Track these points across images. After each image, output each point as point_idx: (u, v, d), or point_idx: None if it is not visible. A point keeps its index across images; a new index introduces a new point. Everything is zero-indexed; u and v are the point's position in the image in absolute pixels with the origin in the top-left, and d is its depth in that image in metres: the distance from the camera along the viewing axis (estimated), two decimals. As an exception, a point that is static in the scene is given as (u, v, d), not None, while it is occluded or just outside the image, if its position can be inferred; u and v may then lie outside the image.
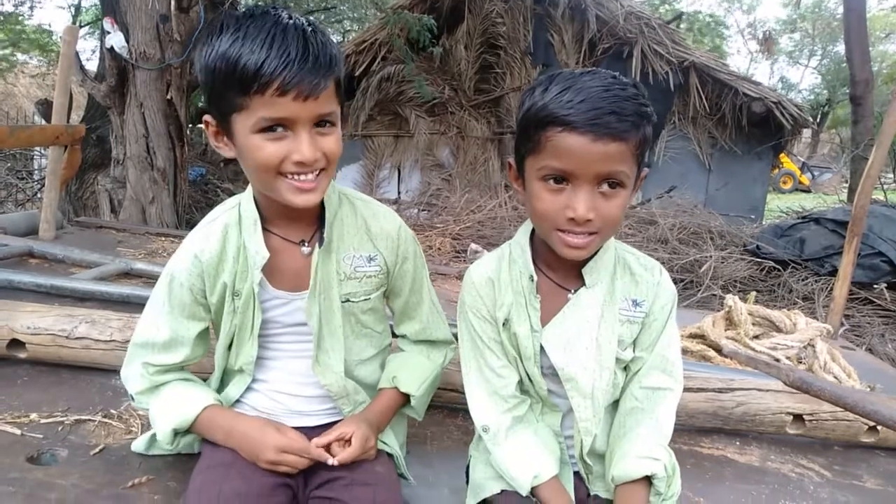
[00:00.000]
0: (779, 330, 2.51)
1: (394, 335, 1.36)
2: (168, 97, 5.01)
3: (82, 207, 5.95)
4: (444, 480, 1.39)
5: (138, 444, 1.30)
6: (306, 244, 1.15)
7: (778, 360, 2.21)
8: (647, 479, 1.03)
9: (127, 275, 2.79)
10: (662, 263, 1.18)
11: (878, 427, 1.69)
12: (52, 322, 1.69)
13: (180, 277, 1.14)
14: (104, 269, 2.70)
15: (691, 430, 1.75)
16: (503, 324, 1.10)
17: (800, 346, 2.33)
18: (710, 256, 5.43)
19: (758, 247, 5.75)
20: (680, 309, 1.14)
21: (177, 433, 1.18)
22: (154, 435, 1.23)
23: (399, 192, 8.35)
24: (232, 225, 1.14)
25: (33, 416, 1.45)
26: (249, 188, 1.14)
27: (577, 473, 1.15)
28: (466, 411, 1.17)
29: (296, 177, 1.01)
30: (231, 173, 9.00)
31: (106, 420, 1.47)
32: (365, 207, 1.21)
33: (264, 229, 1.13)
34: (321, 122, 1.01)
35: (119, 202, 5.35)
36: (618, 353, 1.09)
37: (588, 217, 0.95)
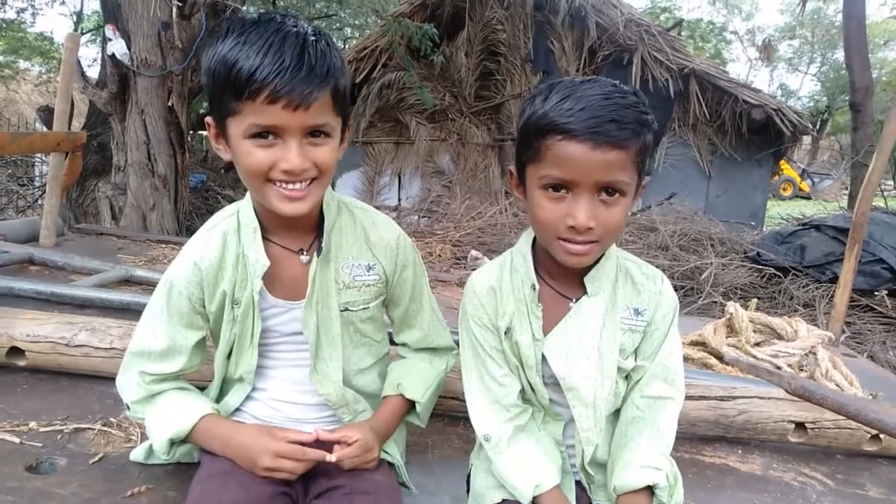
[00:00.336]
0: (780, 337, 2.51)
1: (394, 344, 1.35)
2: (169, 104, 5.03)
3: (83, 214, 5.96)
4: (445, 489, 1.38)
5: (137, 453, 1.29)
6: (305, 253, 1.15)
7: (779, 368, 2.20)
8: (650, 489, 1.03)
9: (127, 282, 2.78)
10: (663, 270, 1.18)
11: (881, 435, 1.68)
12: (52, 330, 1.68)
13: (179, 286, 1.13)
14: (104, 276, 2.69)
15: (693, 438, 1.74)
16: (505, 332, 1.10)
17: (801, 354, 2.32)
18: (711, 263, 5.43)
19: (758, 254, 5.75)
20: (681, 316, 1.14)
21: (173, 443, 1.17)
22: (153, 444, 1.23)
23: (399, 199, 8.36)
24: (231, 232, 1.14)
25: (32, 424, 1.44)
26: (248, 195, 1.14)
27: (578, 483, 1.14)
28: (467, 419, 1.16)
29: (284, 185, 1.01)
30: (231, 180, 9.02)
31: (105, 428, 1.47)
32: (364, 216, 1.21)
33: (263, 237, 1.12)
34: (315, 133, 1.00)
35: (120, 209, 5.36)
36: (619, 362, 1.08)
37: (589, 225, 0.95)
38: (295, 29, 0.96)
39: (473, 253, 5.18)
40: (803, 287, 5.19)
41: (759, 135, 7.70)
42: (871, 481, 1.63)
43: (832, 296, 3.65)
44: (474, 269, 1.26)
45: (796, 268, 5.43)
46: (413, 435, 1.50)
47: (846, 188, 11.99)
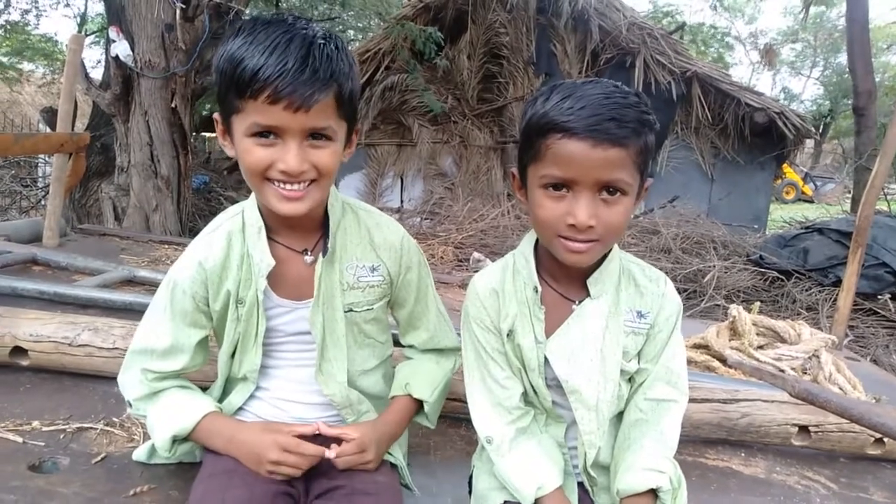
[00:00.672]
0: (783, 340, 2.50)
1: (399, 345, 1.35)
2: (172, 105, 5.04)
3: (86, 215, 5.97)
4: (448, 490, 1.38)
5: (140, 453, 1.29)
6: (309, 253, 1.15)
7: (783, 371, 2.19)
8: (653, 492, 1.02)
9: (130, 282, 2.79)
10: (666, 273, 1.17)
11: (885, 439, 1.68)
12: (55, 329, 1.68)
13: (183, 285, 1.13)
14: (107, 276, 2.70)
15: (696, 441, 1.73)
16: (507, 335, 1.10)
17: (804, 357, 2.32)
18: (714, 266, 5.42)
19: (761, 257, 5.75)
20: (683, 319, 1.14)
21: (175, 440, 1.17)
22: (157, 443, 1.23)
23: (402, 201, 8.37)
24: (235, 232, 1.14)
25: (35, 423, 1.45)
26: (253, 196, 1.14)
27: (581, 485, 1.14)
28: (470, 421, 1.16)
29: (282, 185, 1.01)
30: (234, 182, 9.04)
31: (108, 428, 1.47)
32: (368, 217, 1.21)
33: (267, 237, 1.13)
34: (316, 135, 1.00)
35: (123, 210, 5.37)
36: (622, 364, 1.08)
37: (589, 224, 0.95)
38: (304, 31, 0.96)
39: (476, 255, 5.18)
40: (806, 290, 5.19)
41: (762, 138, 7.71)
42: (875, 485, 1.63)
43: (835, 299, 3.64)
44: (476, 272, 1.26)
45: (799, 271, 5.43)
46: (415, 436, 1.50)
47: (849, 192, 11.96)
